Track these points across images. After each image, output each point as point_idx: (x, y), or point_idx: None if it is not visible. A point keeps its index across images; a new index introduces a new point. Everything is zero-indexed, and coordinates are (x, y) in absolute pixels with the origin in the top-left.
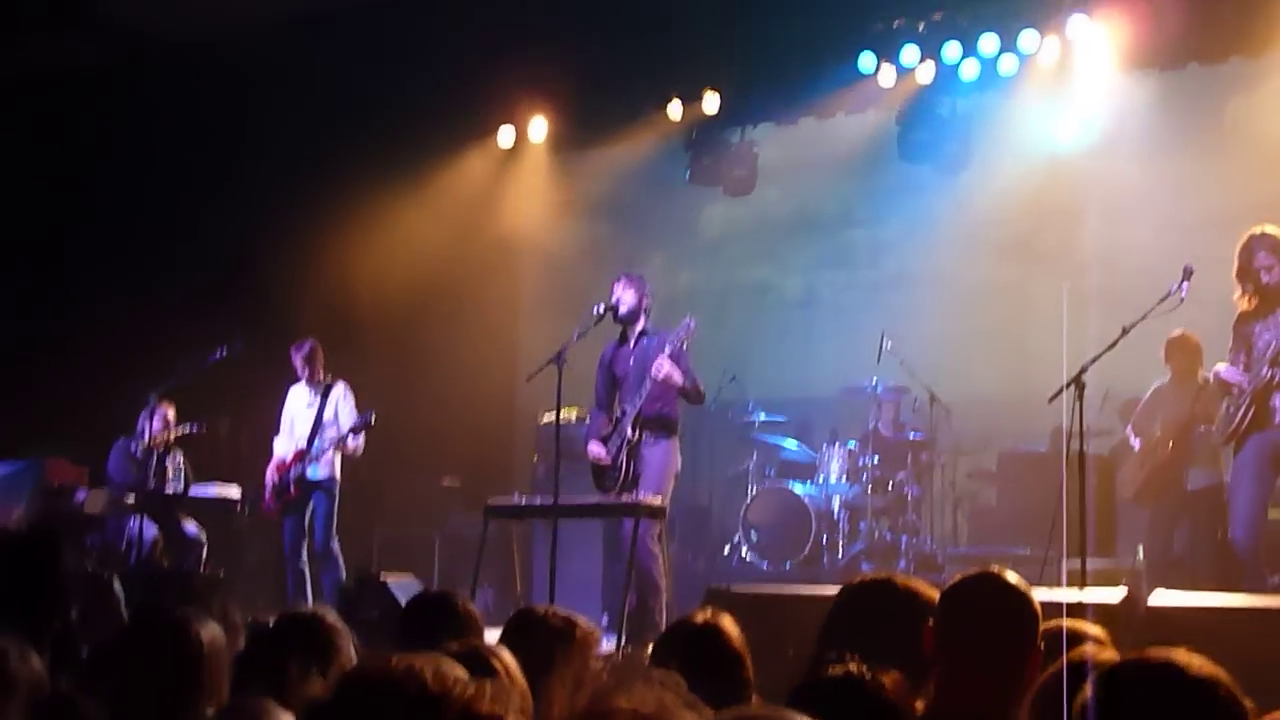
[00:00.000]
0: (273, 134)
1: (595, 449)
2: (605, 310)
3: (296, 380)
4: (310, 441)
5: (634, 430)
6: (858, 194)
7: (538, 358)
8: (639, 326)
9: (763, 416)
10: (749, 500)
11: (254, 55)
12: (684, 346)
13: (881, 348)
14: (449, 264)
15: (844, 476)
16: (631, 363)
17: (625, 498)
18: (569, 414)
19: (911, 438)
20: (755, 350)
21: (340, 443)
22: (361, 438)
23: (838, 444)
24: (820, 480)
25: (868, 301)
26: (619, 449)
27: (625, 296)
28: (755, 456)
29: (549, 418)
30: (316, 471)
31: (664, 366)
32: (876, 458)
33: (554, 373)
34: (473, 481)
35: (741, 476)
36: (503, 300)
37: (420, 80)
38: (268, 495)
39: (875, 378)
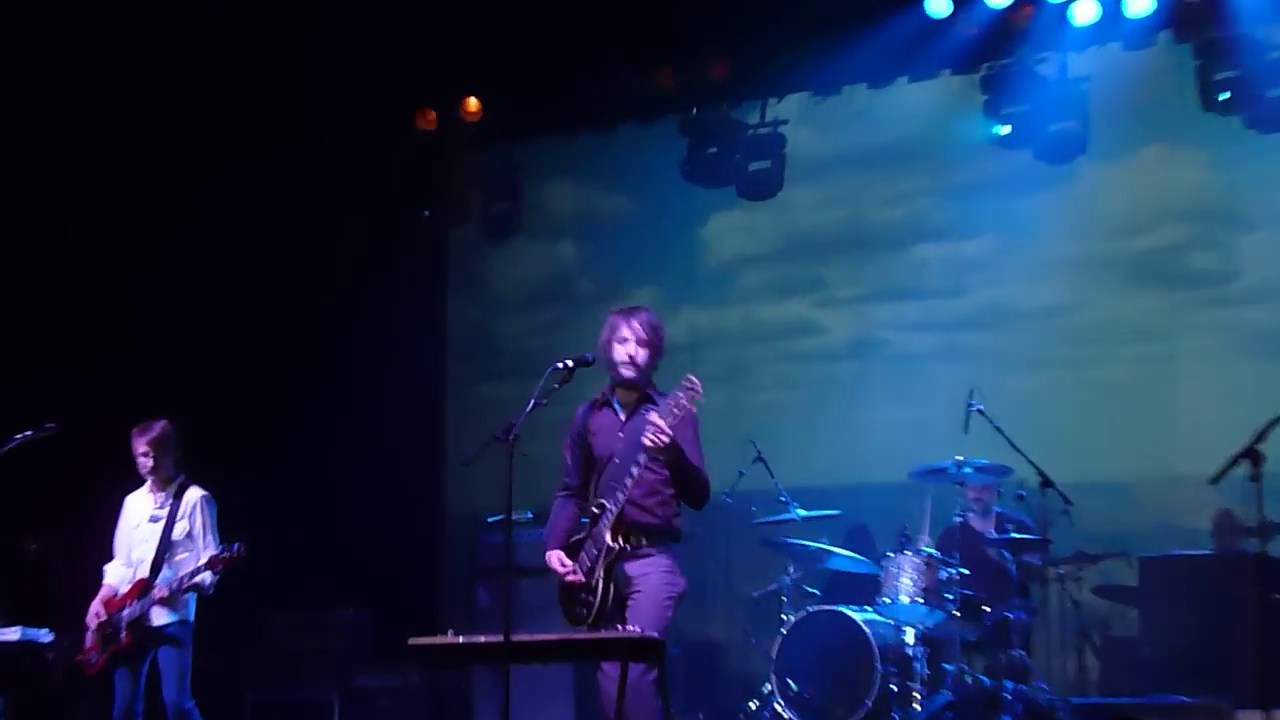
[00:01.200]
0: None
1: (559, 561)
2: (574, 366)
3: (139, 482)
4: (155, 569)
5: (617, 536)
6: (929, 194)
7: (476, 434)
8: (640, 391)
9: (801, 513)
10: (784, 633)
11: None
12: (682, 416)
13: (969, 412)
14: (348, 309)
15: (919, 596)
16: (621, 438)
17: (606, 631)
18: (523, 515)
19: (1015, 539)
20: (787, 418)
21: (191, 578)
22: (215, 576)
23: (908, 550)
24: (886, 602)
25: (947, 347)
26: (596, 560)
27: (626, 347)
28: (792, 570)
29: (496, 520)
30: (162, 612)
31: (661, 428)
32: (965, 569)
33: (501, 455)
34: (386, 614)
35: (772, 599)
36: (426, 356)
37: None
38: (91, 643)
39: (960, 454)
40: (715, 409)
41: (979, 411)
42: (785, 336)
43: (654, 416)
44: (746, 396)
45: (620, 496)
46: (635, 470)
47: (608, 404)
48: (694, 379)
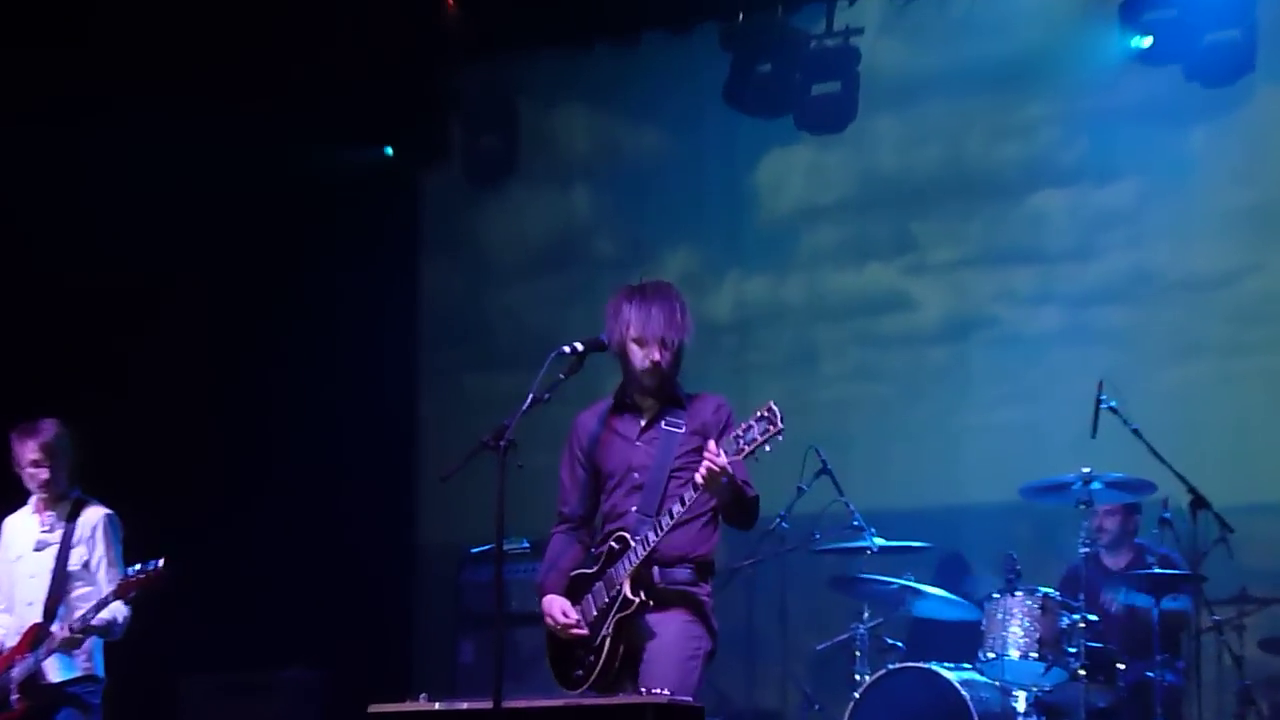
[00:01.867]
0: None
1: (561, 611)
2: (585, 351)
3: (19, 500)
4: (49, 612)
5: (639, 587)
6: (1051, 125)
7: (459, 440)
8: (663, 393)
9: (879, 542)
10: (857, 697)
11: None
12: (752, 451)
13: (1099, 410)
14: (289, 280)
15: (1033, 651)
16: (641, 449)
17: (628, 695)
18: (518, 544)
19: (1158, 575)
20: (862, 419)
21: (97, 613)
22: (128, 610)
23: (1019, 590)
24: (990, 658)
25: (1072, 326)
26: (606, 612)
27: (647, 352)
28: (867, 616)
29: (483, 552)
30: (62, 666)
31: (720, 467)
32: (1093, 615)
33: (490, 467)
34: (342, 675)
35: (842, 654)
36: (393, 340)
37: None
38: None
39: (1087, 466)
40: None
41: (1111, 410)
42: (861, 313)
43: (713, 454)
44: (810, 391)
45: (652, 537)
46: (678, 509)
47: (622, 407)
48: (775, 409)
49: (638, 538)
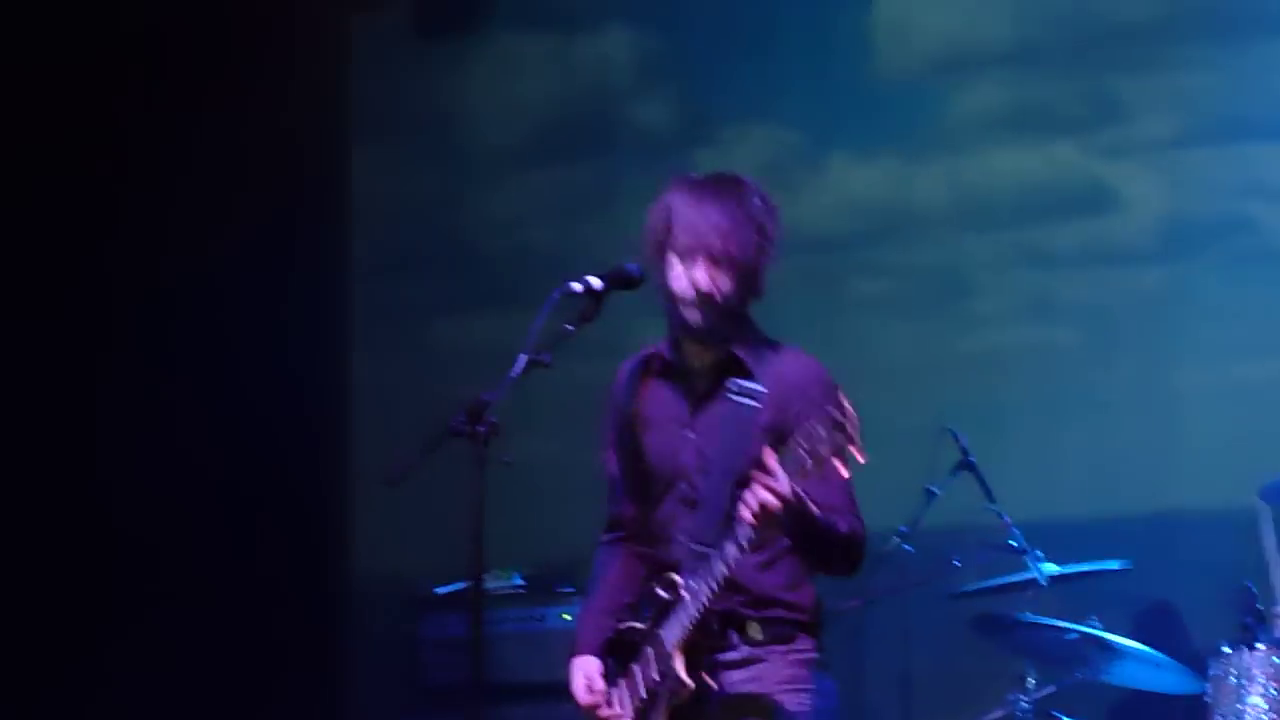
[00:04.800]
0: None
1: (581, 677)
2: (605, 289)
3: None
4: None
5: (698, 662)
6: None
7: (415, 422)
8: (723, 344)
9: (1049, 569)
10: None
11: None
12: (820, 464)
13: None
14: (159, 184)
15: None
16: (693, 441)
17: None
18: (507, 580)
19: None
20: (1027, 386)
21: None
22: None
23: (1263, 644)
24: None
25: None
26: (656, 696)
27: (694, 271)
28: (1033, 681)
29: (451, 593)
30: None
31: (775, 492)
32: None
33: (463, 463)
34: None
35: None
36: (310, 266)
37: None
38: None
39: None
40: (888, 366)
41: None
42: (1033, 219)
43: (764, 480)
44: (950, 339)
45: (705, 592)
46: (732, 553)
47: (666, 369)
48: (849, 407)
49: (689, 588)
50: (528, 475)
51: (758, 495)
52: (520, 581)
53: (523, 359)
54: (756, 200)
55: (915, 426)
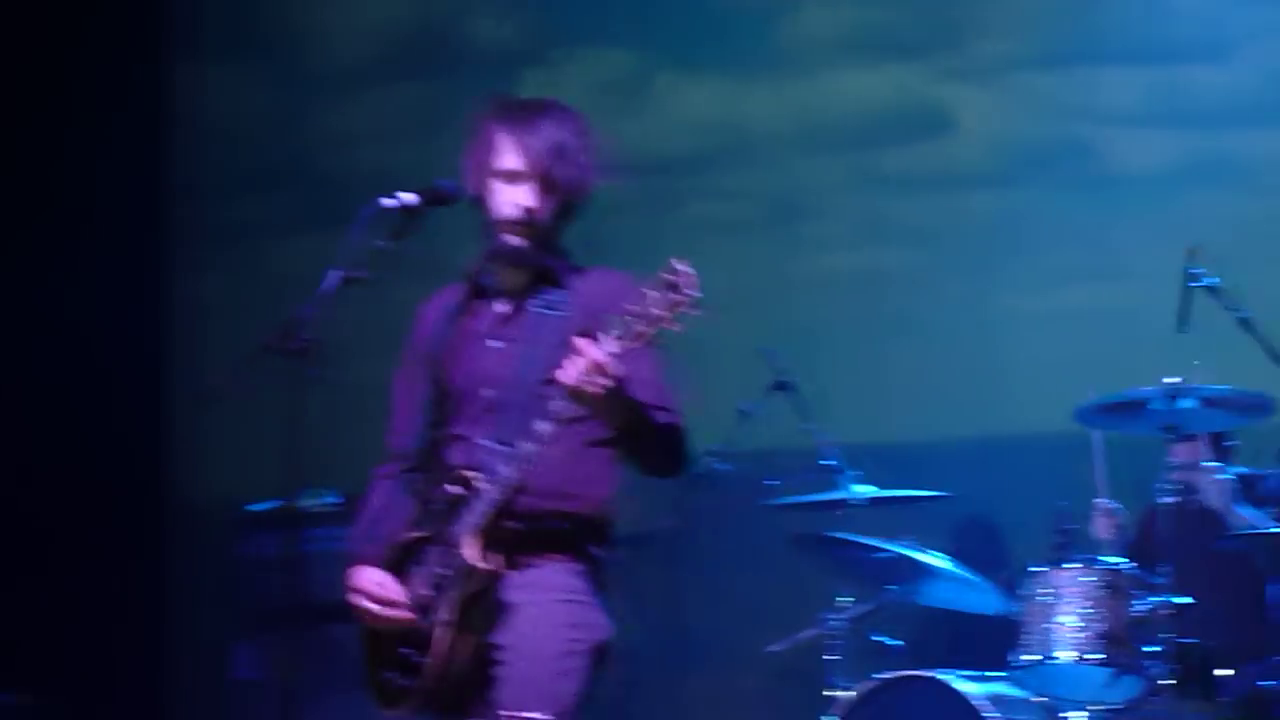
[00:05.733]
0: None
1: (369, 580)
2: (421, 205)
3: None
4: None
5: (491, 548)
6: None
7: (232, 342)
8: (536, 264)
9: (866, 491)
10: None
11: None
12: (651, 333)
13: (1188, 291)
14: None
15: (1095, 649)
16: (501, 352)
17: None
18: (321, 499)
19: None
20: (855, 309)
21: None
22: None
23: (1075, 563)
24: (1030, 661)
25: (1189, 162)
26: (442, 588)
27: (514, 188)
28: (850, 602)
29: (268, 510)
30: None
31: (600, 363)
32: (1186, 596)
33: (280, 382)
34: (61, 698)
35: (810, 656)
36: (127, 179)
37: None
38: None
39: (1175, 377)
40: (718, 288)
41: (1207, 290)
42: (870, 141)
43: (585, 346)
44: (779, 261)
45: (508, 474)
46: (546, 427)
47: (478, 291)
48: (684, 268)
49: (488, 477)
50: (349, 394)
51: (574, 364)
52: (337, 499)
53: (336, 275)
54: (576, 124)
55: (743, 348)
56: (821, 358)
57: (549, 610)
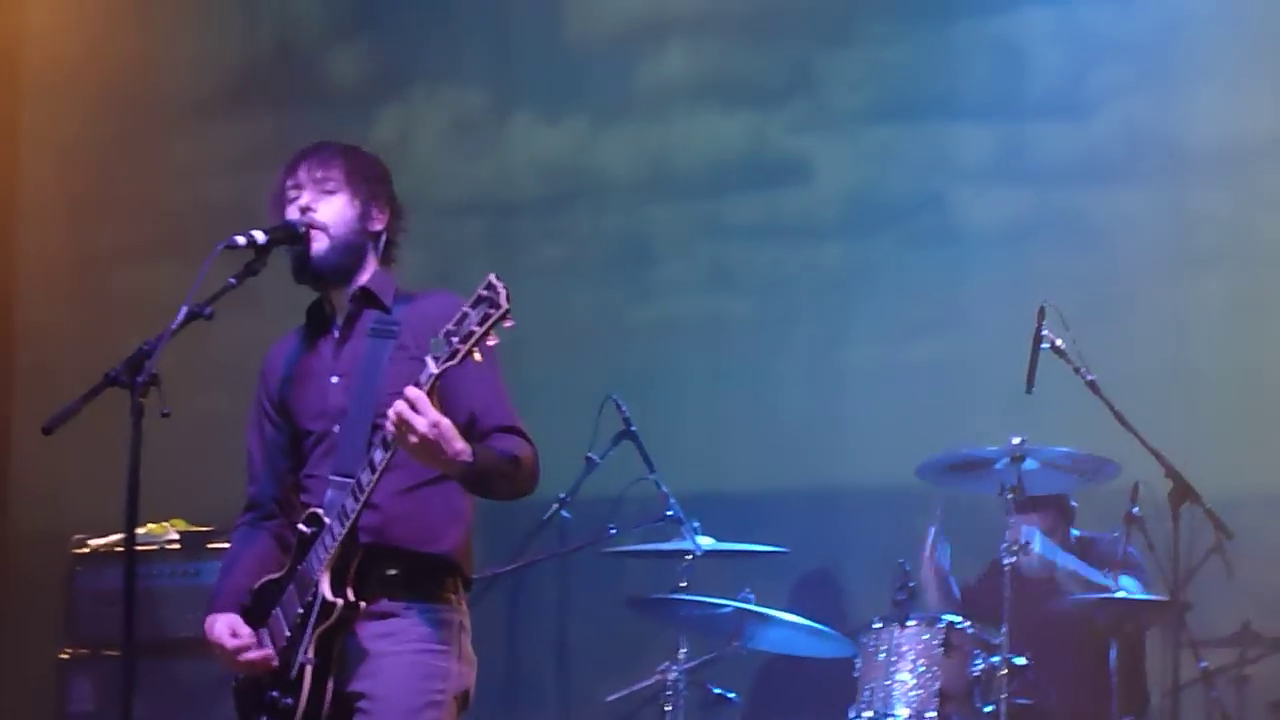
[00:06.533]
0: None
1: (222, 629)
2: (268, 243)
3: None
4: None
5: (344, 582)
6: None
7: (74, 375)
8: (363, 291)
9: (704, 543)
10: None
11: None
12: (482, 345)
13: (1036, 351)
14: None
15: (930, 708)
16: (338, 385)
17: None
18: (163, 530)
19: (1123, 601)
20: (699, 359)
21: None
22: None
23: (913, 621)
24: (867, 717)
25: (1038, 216)
26: (301, 627)
27: (329, 209)
28: (684, 653)
29: (104, 545)
30: None
31: (414, 406)
32: (1023, 656)
33: (120, 417)
34: None
35: (649, 706)
36: None
37: None
38: None
39: (1019, 437)
40: (564, 333)
41: (1057, 351)
42: (721, 188)
43: (402, 403)
44: (630, 308)
45: (351, 505)
46: (379, 456)
47: (323, 324)
48: (496, 282)
49: (336, 511)
50: (191, 429)
51: (396, 407)
52: (173, 536)
53: (183, 310)
54: (361, 149)
55: (588, 394)
56: (667, 405)
57: (410, 661)
